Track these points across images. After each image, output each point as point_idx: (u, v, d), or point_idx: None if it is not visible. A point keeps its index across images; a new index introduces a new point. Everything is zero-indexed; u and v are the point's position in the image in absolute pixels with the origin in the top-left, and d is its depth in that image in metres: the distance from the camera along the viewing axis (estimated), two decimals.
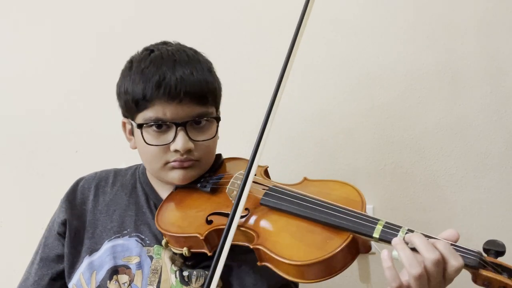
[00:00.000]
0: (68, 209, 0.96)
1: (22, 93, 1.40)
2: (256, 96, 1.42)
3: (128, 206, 0.95)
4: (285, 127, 1.42)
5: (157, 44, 0.95)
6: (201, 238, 0.80)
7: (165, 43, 0.96)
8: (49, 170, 1.39)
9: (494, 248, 0.64)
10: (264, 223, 0.79)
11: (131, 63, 0.91)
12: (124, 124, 0.97)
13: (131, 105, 0.88)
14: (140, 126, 0.86)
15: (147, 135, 0.87)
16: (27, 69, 1.41)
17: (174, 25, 1.43)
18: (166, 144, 0.86)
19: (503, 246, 0.65)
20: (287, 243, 0.75)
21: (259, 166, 0.96)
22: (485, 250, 0.65)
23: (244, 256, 0.85)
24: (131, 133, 0.95)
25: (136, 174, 1.02)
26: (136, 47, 1.42)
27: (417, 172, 1.42)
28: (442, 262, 0.63)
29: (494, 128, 1.42)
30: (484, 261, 0.63)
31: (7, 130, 1.39)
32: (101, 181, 1.00)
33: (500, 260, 0.64)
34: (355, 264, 1.37)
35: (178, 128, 0.85)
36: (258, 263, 0.77)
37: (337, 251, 0.70)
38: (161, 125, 0.86)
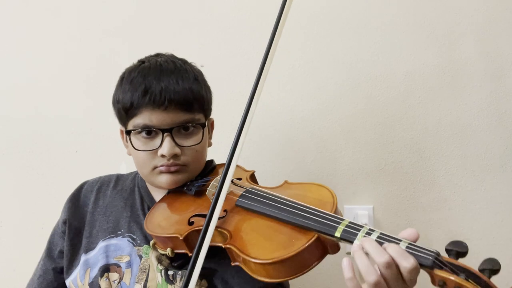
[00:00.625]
0: (70, 210, 1.01)
1: (22, 93, 1.40)
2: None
3: (124, 208, 1.00)
4: (285, 127, 1.42)
5: (150, 56, 1.01)
6: (180, 238, 0.83)
7: (157, 55, 1.01)
8: (49, 170, 1.39)
9: (455, 249, 0.63)
10: (238, 224, 0.82)
11: (123, 75, 0.97)
12: (121, 132, 1.02)
13: (122, 113, 0.94)
14: (128, 132, 0.93)
15: (136, 141, 0.93)
16: (27, 70, 1.41)
17: (174, 31, 1.43)
18: (153, 150, 0.91)
19: (465, 247, 0.64)
20: (256, 242, 0.77)
21: (245, 171, 1.01)
22: (446, 250, 0.64)
23: (229, 259, 0.86)
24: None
25: (136, 179, 1.07)
26: (136, 49, 1.43)
27: (417, 172, 1.43)
28: (393, 265, 0.63)
29: (494, 128, 1.42)
30: (440, 261, 0.62)
31: (7, 130, 1.39)
32: (103, 184, 1.06)
33: (462, 261, 0.63)
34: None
35: (165, 134, 0.90)
36: (232, 263, 0.80)
37: (301, 249, 0.71)
38: (150, 131, 0.91)
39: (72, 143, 1.40)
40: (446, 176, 1.43)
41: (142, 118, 0.90)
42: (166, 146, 0.89)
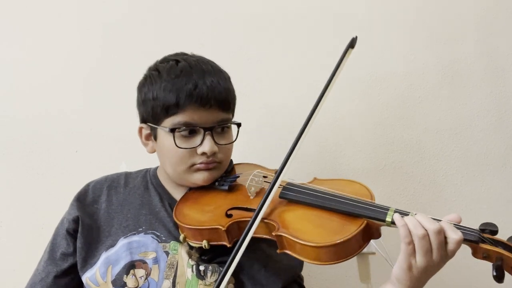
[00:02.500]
0: (80, 207, 0.99)
1: (22, 93, 1.40)
2: (255, 96, 1.42)
3: (141, 206, 0.99)
4: (285, 127, 1.42)
5: (177, 55, 1.00)
6: (223, 229, 0.85)
7: (184, 54, 1.01)
8: (49, 170, 1.39)
9: (489, 228, 0.76)
10: (284, 214, 0.86)
11: (157, 71, 0.95)
12: (140, 129, 1.01)
13: (159, 110, 0.93)
14: (172, 130, 0.92)
15: (176, 139, 0.93)
16: (27, 70, 1.41)
17: (175, 28, 1.43)
18: (193, 147, 0.93)
19: (496, 226, 0.76)
20: (307, 229, 0.81)
21: (268, 170, 1.03)
22: (481, 230, 0.76)
23: (255, 255, 0.91)
24: (148, 138, 1.00)
25: (147, 177, 1.06)
26: (136, 49, 1.43)
27: (417, 172, 1.43)
28: (442, 232, 0.73)
29: (494, 128, 1.42)
30: (482, 236, 0.75)
31: (7, 130, 1.39)
32: (113, 182, 1.05)
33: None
34: (355, 264, 1.37)
35: (206, 133, 0.92)
36: (278, 251, 0.83)
37: (353, 234, 0.77)
38: (193, 130, 0.92)
39: (72, 143, 1.40)
40: (446, 176, 1.43)
41: (184, 116, 0.91)
42: (208, 144, 0.91)
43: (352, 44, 0.99)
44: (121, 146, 1.39)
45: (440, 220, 0.76)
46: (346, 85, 1.42)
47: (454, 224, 0.76)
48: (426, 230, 0.73)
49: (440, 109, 1.42)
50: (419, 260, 0.74)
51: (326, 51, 1.43)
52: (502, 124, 1.42)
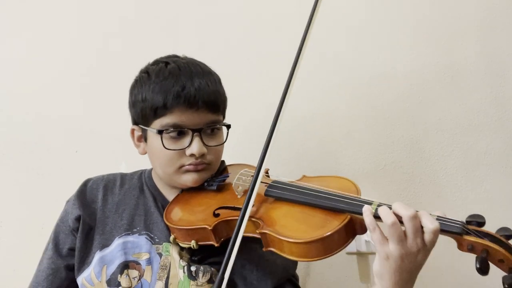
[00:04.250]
0: (81, 207, 1.00)
1: (22, 94, 1.40)
2: (252, 96, 1.42)
3: (137, 206, 1.00)
4: (285, 127, 1.42)
5: (168, 57, 1.01)
6: (209, 228, 0.86)
7: (176, 56, 1.02)
8: (49, 170, 1.39)
9: (475, 220, 0.73)
10: (268, 211, 0.87)
11: (147, 74, 0.97)
12: (132, 131, 1.02)
13: (148, 112, 0.94)
14: (160, 132, 0.92)
15: (164, 140, 0.93)
16: (27, 70, 1.41)
17: (174, 28, 1.43)
18: (182, 149, 0.93)
19: (483, 218, 0.74)
20: (291, 225, 0.82)
21: None
22: (467, 222, 0.74)
23: (247, 255, 0.91)
24: (140, 139, 1.01)
25: (142, 178, 1.07)
26: (136, 49, 1.43)
27: (417, 172, 1.43)
28: (418, 219, 0.71)
29: (494, 128, 1.42)
30: (467, 228, 0.72)
31: (7, 130, 1.39)
32: (109, 182, 1.05)
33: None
34: (355, 264, 1.37)
35: (194, 134, 0.92)
36: (264, 249, 0.83)
37: (336, 229, 0.77)
38: (181, 132, 0.93)
39: (72, 143, 1.40)
40: (446, 176, 1.43)
41: (172, 118, 0.91)
42: (196, 145, 0.92)
43: None
44: (121, 146, 1.38)
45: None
46: (346, 85, 1.42)
47: (437, 217, 0.74)
48: (397, 217, 0.72)
49: (440, 109, 1.42)
50: (393, 248, 0.72)
51: (326, 51, 1.43)
52: (502, 124, 1.42)
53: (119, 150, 1.38)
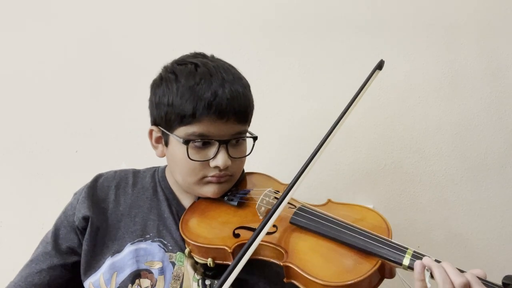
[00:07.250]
0: (90, 206, 0.94)
1: (22, 93, 1.40)
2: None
3: (150, 210, 0.96)
4: (285, 127, 1.42)
5: (196, 57, 0.94)
6: (229, 251, 0.82)
7: (203, 56, 0.95)
8: (49, 170, 1.39)
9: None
10: (293, 242, 0.81)
11: (174, 75, 0.89)
12: (151, 131, 0.96)
13: (174, 118, 0.87)
14: (187, 142, 0.87)
15: (189, 150, 0.88)
16: (27, 69, 1.41)
17: (175, 27, 1.43)
18: (206, 160, 0.88)
19: None
20: (317, 262, 0.76)
21: (281, 184, 0.99)
22: (504, 284, 0.70)
23: (263, 273, 0.87)
24: (159, 141, 0.95)
25: (156, 178, 1.02)
26: (136, 49, 1.43)
27: (417, 172, 1.43)
28: (468, 286, 0.67)
29: (494, 128, 1.42)
30: None
31: (7, 130, 1.39)
32: (121, 181, 1.00)
33: None
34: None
35: (221, 146, 0.87)
36: (285, 280, 0.78)
37: (366, 275, 0.72)
38: (207, 142, 0.87)
39: (72, 143, 1.40)
40: (446, 176, 1.43)
41: (199, 128, 0.86)
42: (222, 158, 0.87)
43: (380, 66, 0.96)
44: (121, 146, 1.39)
45: (464, 272, 0.71)
46: (346, 85, 1.42)
47: (482, 281, 0.70)
48: (452, 283, 0.68)
49: (440, 109, 1.42)
50: None
51: (326, 51, 1.43)
52: (502, 124, 1.42)
53: (119, 150, 1.38)
